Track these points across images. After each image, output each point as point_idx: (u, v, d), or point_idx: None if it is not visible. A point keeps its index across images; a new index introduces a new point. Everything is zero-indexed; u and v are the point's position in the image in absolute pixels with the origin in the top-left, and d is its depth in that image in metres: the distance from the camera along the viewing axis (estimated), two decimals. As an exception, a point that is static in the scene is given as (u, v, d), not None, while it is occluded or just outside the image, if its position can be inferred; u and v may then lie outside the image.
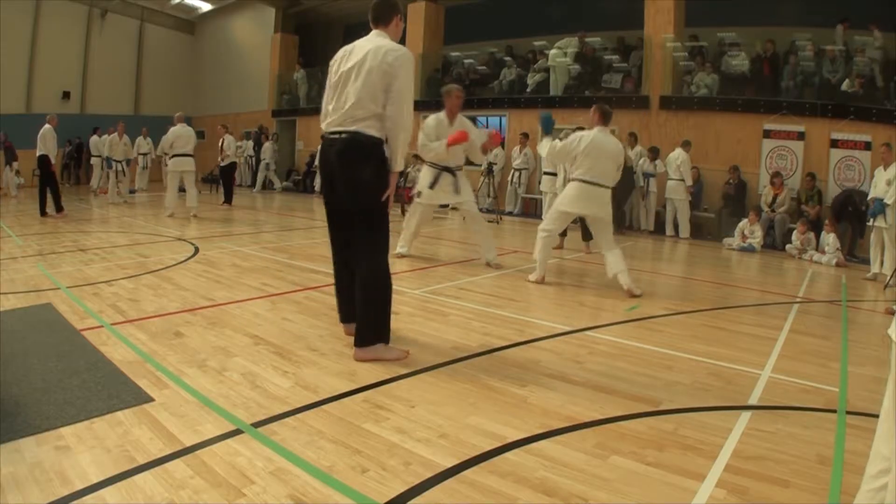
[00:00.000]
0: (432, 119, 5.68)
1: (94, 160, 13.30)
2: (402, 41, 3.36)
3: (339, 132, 2.95)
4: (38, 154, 9.09)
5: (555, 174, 9.45)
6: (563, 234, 7.32)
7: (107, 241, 6.80)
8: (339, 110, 2.96)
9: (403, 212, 10.82)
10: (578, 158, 4.86)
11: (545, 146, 5.07)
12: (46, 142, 9.04)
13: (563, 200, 5.04)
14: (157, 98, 18.48)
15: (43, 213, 9.00)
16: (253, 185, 16.07)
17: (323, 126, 3.08)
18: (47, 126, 9.12)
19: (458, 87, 5.80)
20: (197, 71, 19.60)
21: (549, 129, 5.10)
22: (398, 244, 5.99)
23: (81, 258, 5.61)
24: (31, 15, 15.37)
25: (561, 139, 5.09)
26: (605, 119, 4.90)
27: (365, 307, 3.01)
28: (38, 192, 9.19)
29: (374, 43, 2.96)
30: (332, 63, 3.12)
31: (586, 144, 4.81)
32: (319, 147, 3.14)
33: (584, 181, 4.87)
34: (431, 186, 5.66)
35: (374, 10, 3.09)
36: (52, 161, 9.12)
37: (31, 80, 15.56)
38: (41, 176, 9.23)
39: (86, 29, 16.77)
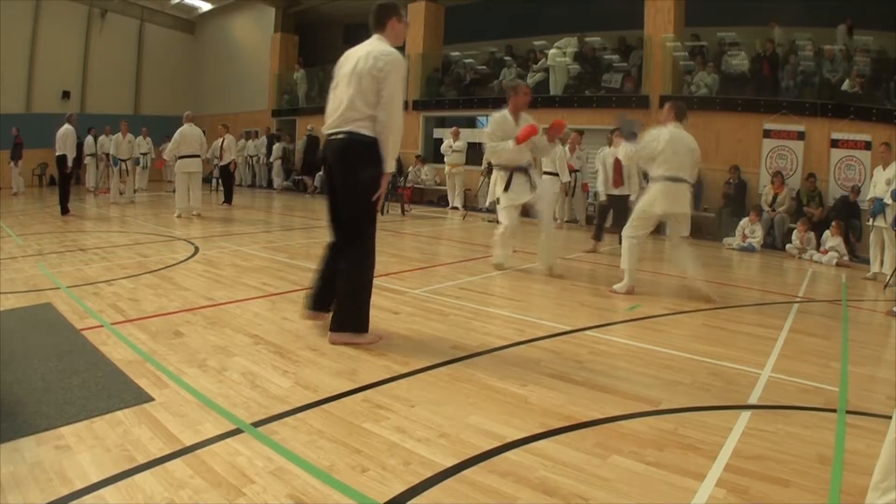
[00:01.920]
0: (498, 117, 5.43)
1: (87, 160, 13.26)
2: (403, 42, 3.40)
3: (337, 133, 3.10)
4: (57, 154, 9.09)
5: (553, 174, 9.47)
6: (599, 237, 7.31)
7: (107, 240, 6.80)
8: (334, 113, 3.13)
9: (403, 212, 10.83)
10: (660, 157, 4.79)
11: (623, 150, 5.04)
12: (66, 142, 9.05)
13: (648, 201, 4.91)
14: (157, 98, 18.49)
15: (64, 211, 8.99)
16: (253, 185, 16.10)
17: (323, 129, 3.21)
18: (68, 126, 9.12)
19: (526, 84, 5.73)
20: (197, 71, 19.61)
21: (633, 135, 5.07)
22: (495, 255, 5.63)
23: (81, 258, 5.61)
24: (31, 15, 15.37)
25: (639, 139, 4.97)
26: (679, 115, 4.91)
27: (346, 297, 3.19)
28: (59, 192, 9.18)
29: (367, 48, 3.10)
30: (335, 67, 3.26)
31: (666, 141, 4.75)
32: (322, 148, 3.28)
33: (668, 178, 4.79)
34: (506, 189, 5.38)
35: (371, 17, 3.21)
36: (69, 162, 9.14)
37: (31, 80, 15.56)
38: (60, 175, 9.22)
39: (86, 29, 16.77)
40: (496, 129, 5.37)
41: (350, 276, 3.16)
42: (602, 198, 7.39)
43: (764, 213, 8.68)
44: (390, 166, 3.09)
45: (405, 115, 13.25)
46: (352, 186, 3.10)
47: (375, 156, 3.06)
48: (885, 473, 1.39)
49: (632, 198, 6.97)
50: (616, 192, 7.12)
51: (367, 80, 3.00)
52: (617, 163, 6.97)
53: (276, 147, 15.61)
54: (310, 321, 3.47)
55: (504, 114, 5.45)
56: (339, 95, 3.12)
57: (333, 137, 3.12)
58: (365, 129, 3.03)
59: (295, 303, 4.11)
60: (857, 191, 8.09)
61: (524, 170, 5.42)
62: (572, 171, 9.72)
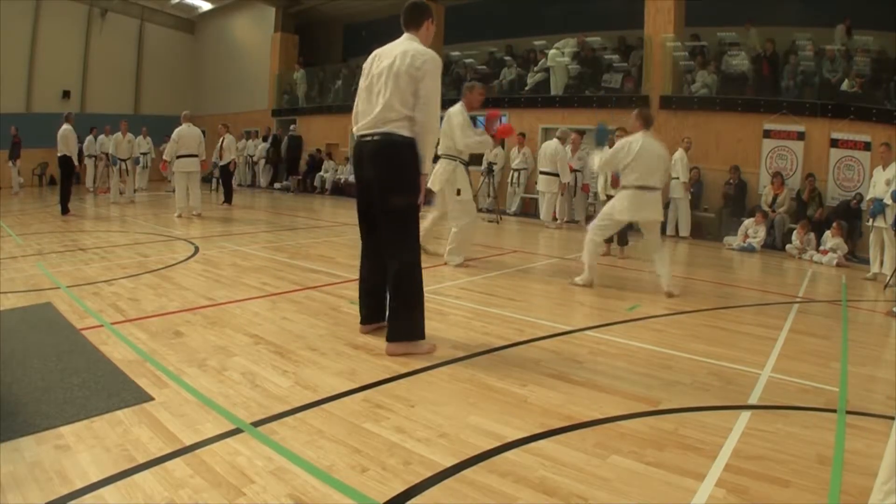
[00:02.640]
0: (462, 111, 5.60)
1: (87, 160, 13.25)
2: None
3: (372, 134, 3.02)
4: (59, 154, 9.08)
5: (553, 174, 9.46)
6: (610, 240, 7.32)
7: (107, 240, 6.80)
8: (369, 113, 3.04)
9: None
10: (630, 165, 4.90)
11: (596, 158, 5.18)
12: (69, 142, 9.04)
13: (618, 209, 5.03)
14: (157, 98, 18.48)
15: (65, 211, 8.98)
16: (253, 185, 16.12)
17: (355, 129, 3.14)
18: (67, 126, 9.11)
19: (482, 84, 5.88)
20: (197, 70, 19.60)
21: (603, 141, 5.33)
22: (458, 257, 5.79)
23: (81, 257, 5.61)
24: (31, 15, 15.36)
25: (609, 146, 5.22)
26: (646, 124, 5.01)
27: (399, 303, 3.08)
28: (60, 192, 9.17)
29: (403, 47, 3.03)
30: (364, 66, 3.19)
31: (637, 150, 4.86)
32: (353, 149, 3.20)
33: (637, 187, 4.91)
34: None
35: (405, 14, 3.14)
36: (76, 162, 9.13)
37: (31, 80, 15.56)
38: (62, 175, 9.21)
39: (86, 28, 16.77)
40: (465, 122, 5.54)
41: (401, 282, 3.06)
42: (602, 197, 7.40)
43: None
44: (427, 166, 3.06)
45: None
46: (393, 189, 3.01)
47: (414, 156, 3.01)
48: (888, 474, 1.39)
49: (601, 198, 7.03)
50: (614, 192, 7.12)
51: (405, 79, 2.94)
52: None
53: (261, 147, 15.76)
54: (367, 335, 3.38)
55: (462, 107, 5.65)
56: (374, 95, 3.03)
57: (369, 139, 3.04)
58: (403, 130, 2.98)
59: (295, 303, 4.11)
60: (859, 199, 8.05)
61: (466, 165, 5.70)
62: (573, 171, 9.73)
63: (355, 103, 3.22)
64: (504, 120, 11.22)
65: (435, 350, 3.17)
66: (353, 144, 3.22)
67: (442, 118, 5.51)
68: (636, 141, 4.90)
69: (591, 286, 5.12)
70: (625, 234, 7.22)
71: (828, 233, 7.67)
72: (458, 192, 5.63)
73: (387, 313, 3.16)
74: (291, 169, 15.39)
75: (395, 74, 2.95)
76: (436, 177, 5.67)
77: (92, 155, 13.12)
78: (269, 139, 15.92)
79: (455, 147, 5.63)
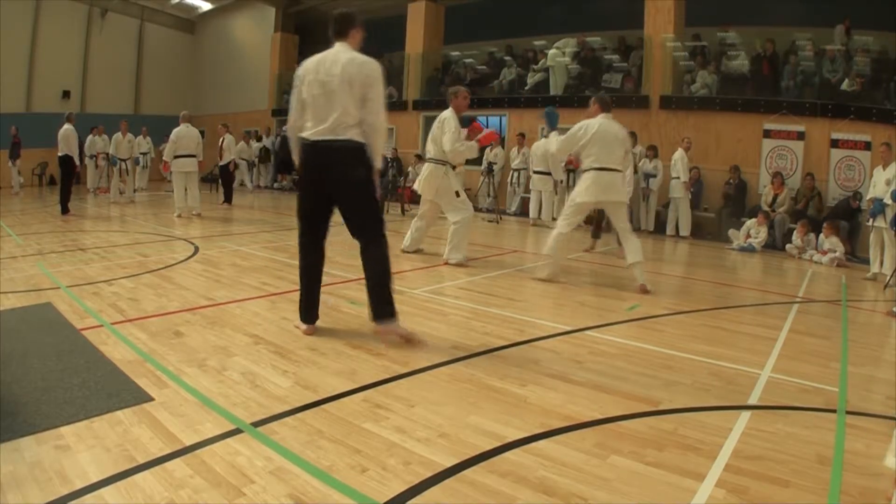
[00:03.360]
0: (452, 116, 5.67)
1: (87, 160, 13.24)
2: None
3: (333, 140, 3.17)
4: (59, 154, 9.08)
5: (546, 173, 9.46)
6: (598, 236, 7.34)
7: (107, 240, 6.80)
8: (324, 120, 3.18)
9: (403, 211, 10.83)
10: (587, 147, 4.91)
11: (553, 141, 5.17)
12: (70, 142, 9.04)
13: (577, 192, 5.05)
14: (157, 97, 18.48)
15: (65, 211, 8.98)
16: (262, 186, 16.17)
17: (306, 134, 3.24)
18: (68, 126, 9.11)
19: (467, 88, 6.01)
20: (197, 70, 19.60)
21: (554, 123, 5.25)
22: (460, 254, 5.83)
23: (81, 257, 5.61)
24: (31, 15, 15.36)
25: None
26: (604, 107, 5.02)
27: (381, 288, 3.32)
28: (60, 192, 9.17)
29: (347, 55, 3.21)
30: (300, 75, 3.30)
31: (594, 132, 4.87)
32: (302, 152, 3.30)
33: (596, 168, 4.92)
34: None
35: (335, 24, 3.32)
36: (77, 162, 9.13)
37: (31, 80, 15.56)
38: (63, 176, 9.21)
39: (86, 28, 16.77)
40: (454, 127, 5.60)
41: (379, 267, 3.33)
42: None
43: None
44: (378, 163, 3.30)
45: (405, 115, 13.33)
46: (358, 189, 3.24)
47: (367, 157, 3.24)
48: None
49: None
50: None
51: (357, 86, 3.14)
52: None
53: (255, 147, 15.80)
54: (310, 335, 3.44)
55: (453, 112, 5.71)
56: (330, 101, 3.17)
57: (330, 143, 3.17)
58: (358, 136, 3.20)
59: (295, 303, 4.09)
60: (858, 198, 8.05)
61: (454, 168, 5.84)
62: (569, 170, 9.71)
63: (295, 111, 3.34)
64: (483, 122, 11.30)
65: (414, 336, 3.36)
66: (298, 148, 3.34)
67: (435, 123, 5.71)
68: (594, 123, 4.92)
69: (554, 280, 5.14)
70: (599, 228, 7.24)
71: (820, 235, 7.65)
72: (458, 195, 5.72)
73: (368, 296, 3.36)
74: (281, 168, 15.43)
75: (349, 82, 3.13)
76: (426, 182, 5.76)
77: (93, 155, 13.11)
78: (264, 139, 15.96)
79: (442, 151, 5.68)
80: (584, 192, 4.99)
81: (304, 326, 3.47)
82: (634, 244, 5.01)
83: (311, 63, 3.27)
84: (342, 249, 6.62)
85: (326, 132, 3.17)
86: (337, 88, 3.14)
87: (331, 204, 3.35)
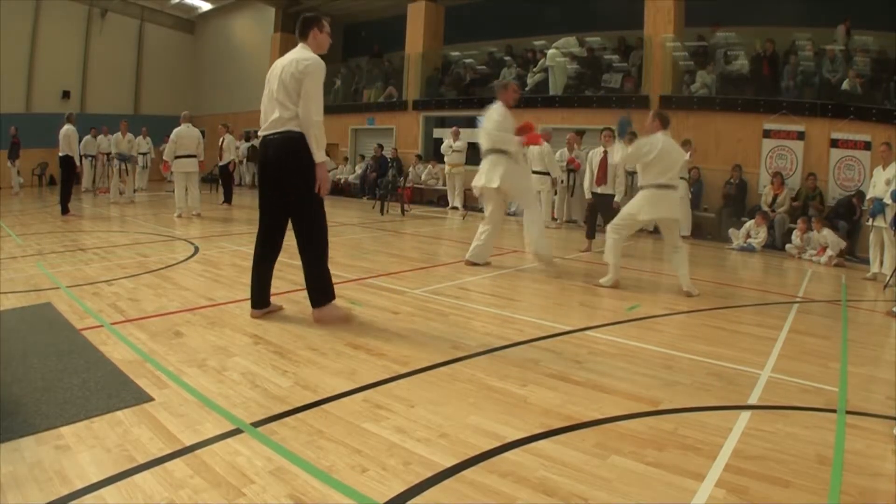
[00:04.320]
0: (504, 111, 5.59)
1: (84, 161, 13.20)
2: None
3: (273, 133, 3.45)
4: (60, 154, 9.08)
5: (545, 173, 9.46)
6: (593, 236, 7.34)
7: (107, 240, 6.80)
8: (268, 117, 3.48)
9: (403, 211, 10.83)
10: (652, 163, 4.97)
11: (618, 153, 5.19)
12: (71, 142, 9.03)
13: (637, 206, 5.06)
14: (157, 98, 18.48)
15: (65, 211, 8.97)
16: (253, 185, 16.16)
17: (260, 132, 3.56)
18: (69, 126, 9.10)
19: (516, 81, 5.96)
20: (197, 70, 19.60)
21: (623, 132, 5.26)
22: (481, 254, 5.76)
23: (81, 257, 5.61)
24: (31, 15, 15.36)
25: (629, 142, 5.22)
26: (664, 124, 5.08)
27: (317, 275, 3.61)
28: (60, 192, 9.17)
29: (292, 56, 3.47)
30: (267, 76, 3.59)
31: (659, 150, 4.93)
32: (259, 148, 3.69)
33: (657, 185, 4.98)
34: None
35: (297, 27, 3.57)
36: (78, 162, 9.12)
37: (31, 80, 15.56)
38: (63, 175, 9.21)
39: (86, 28, 16.77)
40: (503, 120, 5.56)
41: (314, 255, 3.57)
42: (587, 196, 7.42)
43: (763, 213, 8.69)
44: (318, 156, 3.40)
45: (405, 115, 13.30)
46: (293, 179, 3.44)
47: (306, 148, 3.39)
48: None
49: (616, 198, 7.00)
50: (598, 190, 7.16)
51: (292, 82, 3.36)
52: (603, 162, 7.02)
53: (243, 147, 15.82)
54: (256, 319, 3.71)
55: (503, 108, 5.61)
56: (272, 100, 3.46)
57: (271, 137, 3.46)
58: (296, 127, 3.39)
59: (295, 303, 4.11)
60: (861, 197, 8.03)
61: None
62: (569, 170, 9.71)
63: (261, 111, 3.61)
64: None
65: (350, 315, 3.69)
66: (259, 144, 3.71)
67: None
68: (658, 140, 4.96)
69: (618, 286, 5.12)
70: (593, 229, 7.25)
71: (812, 232, 7.65)
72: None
73: (306, 284, 3.65)
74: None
75: (284, 79, 3.38)
76: (495, 175, 5.47)
77: (89, 155, 13.08)
78: (252, 138, 16.06)
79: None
80: (640, 209, 5.03)
81: (251, 311, 3.73)
82: (681, 257, 5.09)
83: (272, 66, 3.56)
84: (342, 250, 6.63)
85: (269, 127, 3.46)
86: (276, 86, 3.42)
87: (282, 197, 3.52)
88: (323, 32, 3.57)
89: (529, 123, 5.96)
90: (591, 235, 7.38)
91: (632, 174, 9.85)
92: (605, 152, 7.02)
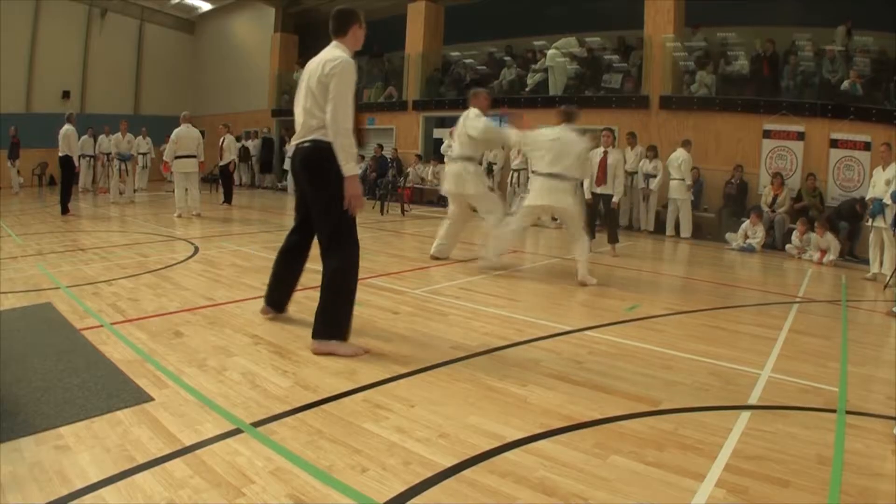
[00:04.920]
0: (482, 114, 5.80)
1: (81, 161, 13.16)
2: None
3: (302, 142, 3.15)
4: (60, 154, 9.08)
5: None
6: (592, 236, 7.34)
7: (106, 240, 6.80)
8: (297, 124, 3.22)
9: (403, 212, 10.83)
10: (541, 153, 5.25)
11: (512, 133, 5.55)
12: (70, 142, 9.03)
13: (530, 195, 5.42)
14: (157, 98, 18.48)
15: (65, 211, 8.97)
16: (253, 185, 16.16)
17: (292, 140, 3.32)
18: (69, 126, 9.11)
19: (483, 88, 6.26)
20: (197, 70, 19.60)
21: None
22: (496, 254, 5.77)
23: (81, 257, 5.61)
24: (31, 15, 15.36)
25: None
26: (567, 118, 5.37)
27: (329, 305, 3.13)
28: (60, 192, 9.17)
29: (322, 56, 3.13)
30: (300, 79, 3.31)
31: (550, 140, 5.20)
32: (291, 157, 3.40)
33: (545, 174, 5.21)
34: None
35: (332, 22, 3.22)
36: (76, 162, 9.12)
37: (31, 80, 15.56)
38: (63, 175, 9.21)
39: (86, 28, 16.77)
40: (485, 120, 5.75)
41: (332, 283, 3.12)
42: (587, 196, 7.43)
43: (764, 214, 8.68)
44: (347, 169, 3.00)
45: (405, 115, 13.29)
46: (319, 195, 3.11)
47: (334, 159, 3.01)
48: None
49: (615, 199, 7.03)
50: (598, 190, 7.18)
51: (319, 87, 3.04)
52: (602, 162, 7.03)
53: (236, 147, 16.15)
54: (265, 315, 3.68)
55: (482, 113, 5.82)
56: (298, 105, 3.22)
57: (300, 146, 3.17)
58: (324, 136, 3.05)
59: (295, 303, 4.10)
60: (863, 205, 7.98)
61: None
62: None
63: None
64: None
65: (363, 353, 3.12)
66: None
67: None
68: (553, 130, 5.27)
69: (494, 270, 5.45)
70: (592, 228, 7.24)
71: (814, 235, 7.62)
72: (491, 189, 5.89)
73: (316, 311, 3.19)
74: (264, 169, 16.25)
75: (311, 85, 3.08)
76: (457, 180, 5.74)
77: (86, 155, 13.06)
78: (243, 139, 16.23)
79: (469, 147, 5.74)
80: (532, 196, 5.39)
81: (262, 306, 3.68)
82: (582, 244, 5.35)
83: (305, 66, 3.27)
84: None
85: (298, 136, 3.19)
86: (303, 90, 3.15)
87: (308, 209, 3.28)
88: (362, 28, 3.24)
89: (518, 113, 6.24)
90: (591, 236, 7.38)
91: (632, 174, 9.93)
92: (606, 153, 7.04)
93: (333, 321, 3.12)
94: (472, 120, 5.71)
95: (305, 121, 3.12)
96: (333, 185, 3.03)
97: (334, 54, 3.10)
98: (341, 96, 2.99)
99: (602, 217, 7.40)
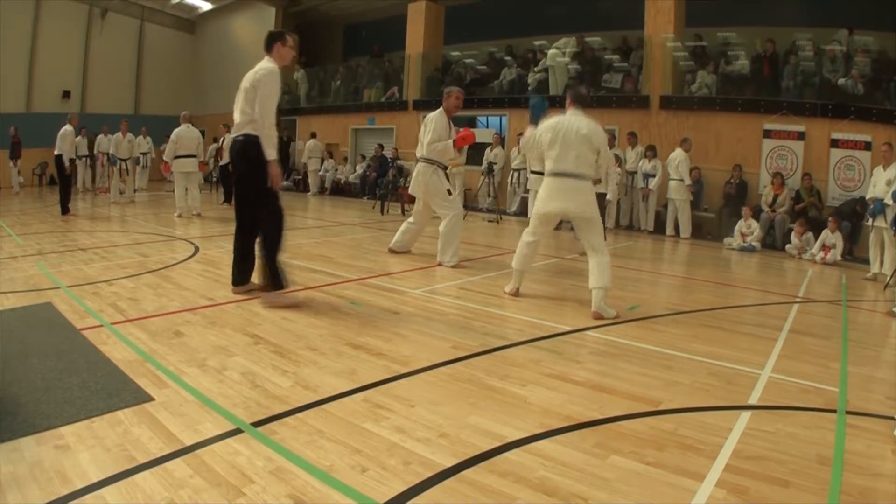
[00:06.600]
0: (439, 116, 5.73)
1: (78, 161, 13.14)
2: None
3: (237, 136, 3.97)
4: (55, 153, 9.09)
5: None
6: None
7: (107, 240, 6.80)
8: (235, 120, 4.01)
9: (403, 211, 10.83)
10: (546, 148, 4.21)
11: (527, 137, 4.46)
12: (64, 142, 9.04)
13: (540, 199, 4.39)
14: (157, 97, 18.48)
15: (65, 211, 8.97)
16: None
17: (229, 134, 4.17)
18: (68, 126, 9.12)
19: (459, 89, 5.97)
20: (197, 70, 19.59)
21: (537, 116, 4.47)
22: (454, 256, 5.69)
23: (81, 257, 5.61)
24: (31, 15, 15.35)
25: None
26: (578, 102, 4.28)
27: (270, 262, 3.98)
28: (60, 192, 9.18)
29: (256, 67, 3.98)
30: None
31: (552, 130, 4.16)
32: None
33: (553, 173, 4.23)
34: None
35: (264, 42, 4.07)
36: (66, 162, 9.13)
37: (31, 80, 15.55)
38: (59, 175, 9.22)
39: (86, 28, 16.76)
40: (438, 127, 5.70)
41: (269, 245, 3.98)
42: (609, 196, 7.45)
43: (763, 213, 8.68)
44: (270, 154, 3.85)
45: (406, 115, 13.35)
46: (248, 176, 3.94)
47: (255, 150, 3.84)
48: None
49: (608, 197, 7.01)
50: (607, 191, 7.19)
51: (250, 90, 3.87)
52: None
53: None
54: (238, 295, 4.17)
55: (442, 115, 5.77)
56: (236, 105, 3.97)
57: (235, 140, 3.98)
58: (253, 131, 3.86)
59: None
60: (865, 205, 7.99)
61: (445, 169, 5.91)
62: None
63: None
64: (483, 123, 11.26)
65: (299, 305, 3.98)
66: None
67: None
68: (554, 120, 4.19)
69: (517, 295, 4.59)
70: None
71: (826, 231, 7.64)
72: (449, 193, 5.78)
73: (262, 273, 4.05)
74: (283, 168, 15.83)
75: (246, 88, 3.91)
76: (415, 181, 5.86)
77: (84, 156, 13.05)
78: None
79: (427, 148, 5.74)
80: (540, 201, 4.67)
81: (233, 288, 4.26)
82: (601, 264, 4.18)
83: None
84: (342, 250, 6.64)
85: (234, 131, 4.00)
86: (241, 94, 3.93)
87: (241, 190, 4.10)
88: (286, 46, 4.06)
89: (466, 129, 5.99)
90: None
91: (631, 174, 9.94)
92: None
93: (277, 274, 3.99)
94: (430, 123, 5.71)
95: (239, 118, 3.91)
96: (257, 166, 3.86)
97: (263, 65, 3.96)
98: (266, 98, 3.86)
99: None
